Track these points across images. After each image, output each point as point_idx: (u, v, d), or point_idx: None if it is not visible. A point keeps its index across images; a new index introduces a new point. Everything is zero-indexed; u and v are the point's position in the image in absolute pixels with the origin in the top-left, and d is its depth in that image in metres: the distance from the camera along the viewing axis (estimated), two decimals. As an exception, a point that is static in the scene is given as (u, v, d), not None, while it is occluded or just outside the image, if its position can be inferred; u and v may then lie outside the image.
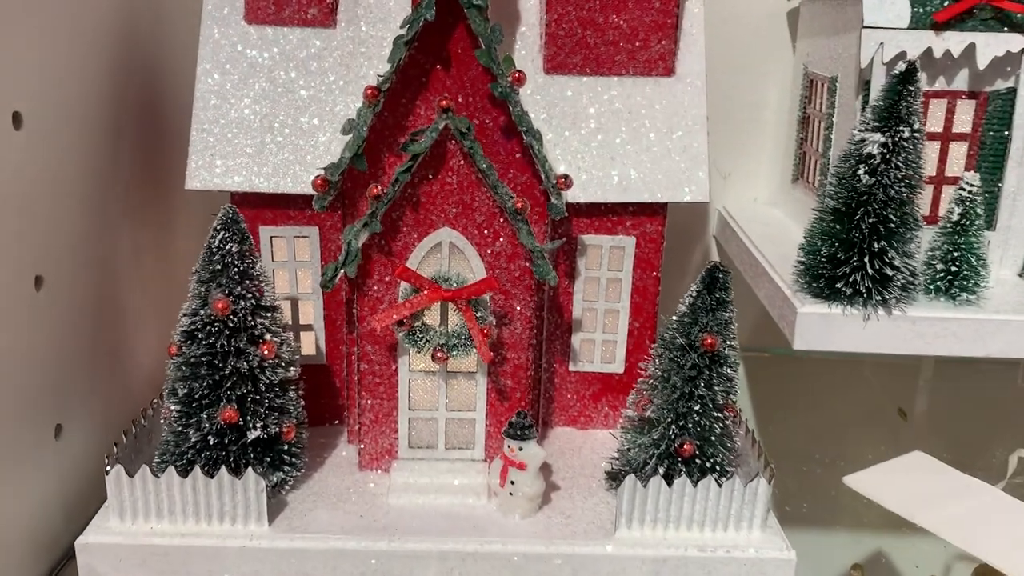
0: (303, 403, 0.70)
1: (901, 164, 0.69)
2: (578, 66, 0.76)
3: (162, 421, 0.69)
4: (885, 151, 0.69)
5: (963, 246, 0.73)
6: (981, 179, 0.77)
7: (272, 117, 0.74)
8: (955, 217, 0.73)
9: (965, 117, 0.78)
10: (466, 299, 0.67)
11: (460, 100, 0.68)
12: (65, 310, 0.71)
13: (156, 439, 0.71)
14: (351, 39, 0.75)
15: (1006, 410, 1.06)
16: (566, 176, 0.68)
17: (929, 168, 0.79)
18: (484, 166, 0.65)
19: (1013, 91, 0.76)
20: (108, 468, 0.64)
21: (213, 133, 0.73)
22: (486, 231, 0.68)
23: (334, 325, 0.78)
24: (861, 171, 0.70)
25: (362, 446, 0.73)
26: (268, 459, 0.68)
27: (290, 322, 0.77)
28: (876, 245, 0.70)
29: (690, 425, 0.66)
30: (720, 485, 0.65)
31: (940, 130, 0.78)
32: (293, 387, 0.69)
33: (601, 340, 0.80)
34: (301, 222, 0.75)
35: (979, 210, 0.73)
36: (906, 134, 0.69)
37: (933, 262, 0.74)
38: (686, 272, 1.10)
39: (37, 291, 0.67)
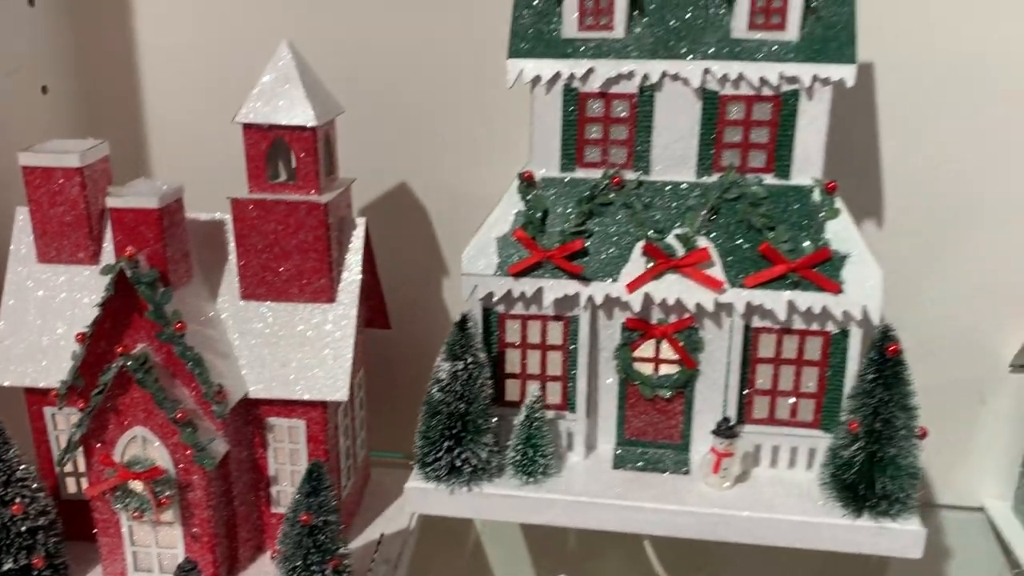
0: (54, 539, 1.01)
1: (459, 387, 0.94)
2: (263, 295, 1.04)
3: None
4: (448, 377, 0.95)
5: (526, 440, 0.98)
6: (574, 375, 1.02)
7: (50, 331, 1.04)
8: (522, 418, 0.98)
9: (556, 334, 1.02)
10: (145, 480, 0.96)
11: (153, 333, 0.97)
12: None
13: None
14: (109, 273, 1.06)
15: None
16: (221, 389, 0.96)
17: (535, 367, 1.04)
18: (153, 391, 0.94)
19: (577, 318, 1.00)
20: (-92, 587, 0.96)
21: (10, 347, 1.05)
22: (166, 429, 0.97)
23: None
24: (435, 389, 0.96)
25: (102, 568, 1.03)
26: (22, 581, 0.99)
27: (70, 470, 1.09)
28: (445, 444, 0.96)
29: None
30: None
31: (539, 342, 1.02)
32: (42, 531, 1.00)
33: (291, 491, 1.07)
34: (70, 404, 1.05)
35: (538, 414, 0.98)
36: (461, 367, 0.94)
37: (508, 450, 0.99)
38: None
39: None
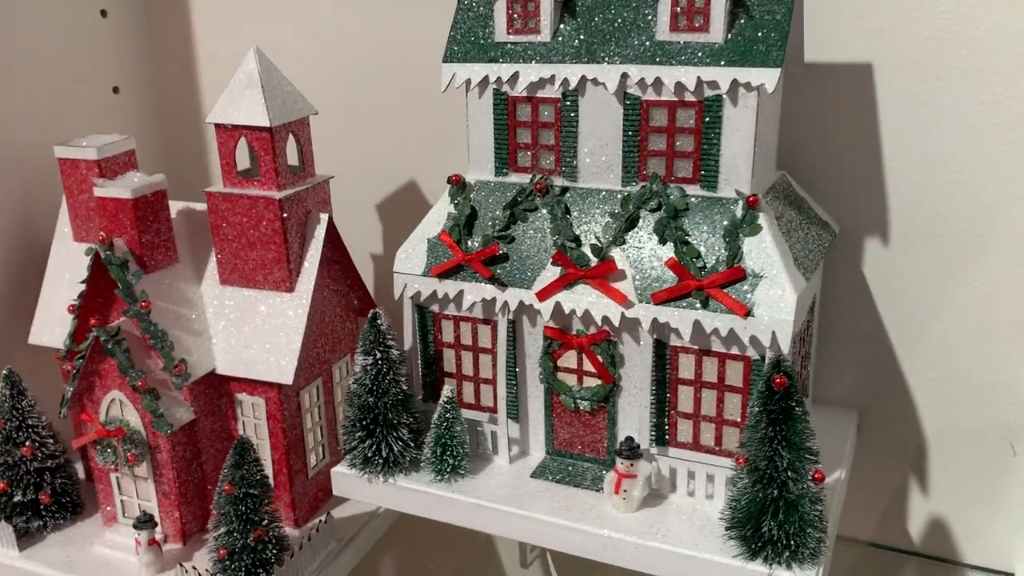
0: (62, 480, 1.17)
1: (368, 381, 0.98)
2: (236, 281, 1.13)
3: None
4: (360, 371, 0.98)
5: (436, 440, 0.99)
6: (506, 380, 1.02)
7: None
8: (438, 419, 0.99)
9: (485, 337, 1.02)
10: (115, 437, 1.08)
11: (121, 310, 1.10)
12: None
13: None
14: (124, 253, 1.20)
15: None
16: (180, 363, 1.07)
17: (468, 369, 1.04)
18: (121, 360, 1.06)
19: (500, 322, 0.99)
20: (-54, 505, 1.16)
21: (48, 312, 1.22)
22: (136, 395, 1.09)
23: (117, 429, 1.23)
24: (351, 381, 1.00)
25: (99, 511, 1.18)
26: (30, 512, 1.16)
27: (94, 424, 1.25)
28: (357, 435, 1.00)
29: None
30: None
31: (470, 344, 1.03)
32: (49, 472, 1.16)
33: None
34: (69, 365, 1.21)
35: (452, 414, 0.98)
36: (370, 361, 0.97)
37: (426, 449, 1.01)
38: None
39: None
